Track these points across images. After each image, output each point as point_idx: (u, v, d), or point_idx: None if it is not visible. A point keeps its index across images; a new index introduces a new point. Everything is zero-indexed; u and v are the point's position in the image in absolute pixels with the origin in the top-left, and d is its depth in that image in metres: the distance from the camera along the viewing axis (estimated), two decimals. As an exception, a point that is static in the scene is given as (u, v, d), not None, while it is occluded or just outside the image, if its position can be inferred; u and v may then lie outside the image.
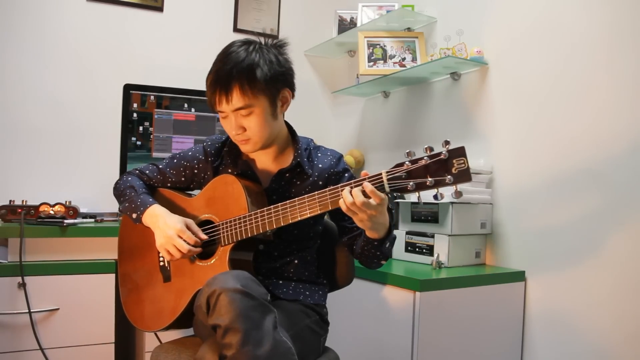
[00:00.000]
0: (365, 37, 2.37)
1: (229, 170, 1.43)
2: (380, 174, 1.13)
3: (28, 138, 2.29)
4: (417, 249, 1.98)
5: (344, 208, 1.15)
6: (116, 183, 1.52)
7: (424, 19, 2.36)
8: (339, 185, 1.18)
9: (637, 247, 1.61)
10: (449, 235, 1.88)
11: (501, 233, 2.01)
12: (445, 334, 1.71)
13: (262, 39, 1.37)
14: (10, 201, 1.95)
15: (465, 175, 1.05)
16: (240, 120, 1.32)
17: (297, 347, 1.15)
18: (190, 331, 1.44)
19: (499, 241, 2.02)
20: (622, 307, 1.63)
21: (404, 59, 2.34)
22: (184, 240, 1.30)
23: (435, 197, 1.12)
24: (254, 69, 1.28)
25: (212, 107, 1.34)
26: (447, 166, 1.06)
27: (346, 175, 1.43)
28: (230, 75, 1.27)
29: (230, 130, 1.34)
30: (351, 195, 1.14)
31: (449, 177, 1.06)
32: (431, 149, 1.09)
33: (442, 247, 1.89)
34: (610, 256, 1.67)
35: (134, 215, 1.39)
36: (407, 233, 2.02)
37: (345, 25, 2.68)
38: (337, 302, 1.81)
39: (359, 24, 2.49)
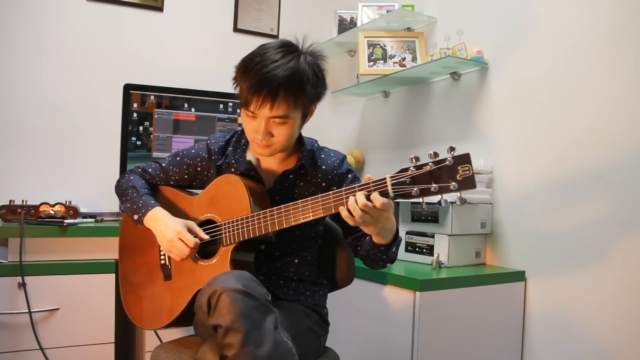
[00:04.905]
0: (365, 37, 2.37)
1: (232, 170, 1.42)
2: (385, 178, 1.13)
3: (28, 138, 2.29)
4: (417, 249, 1.98)
5: (347, 215, 1.15)
6: (118, 181, 1.51)
7: (424, 19, 2.36)
8: (342, 189, 1.18)
9: (638, 247, 1.61)
10: (449, 235, 1.88)
11: (501, 233, 2.01)
12: (445, 334, 1.71)
13: (299, 43, 1.32)
14: (10, 201, 1.94)
15: (469, 183, 1.05)
16: (271, 127, 1.29)
17: (297, 348, 1.15)
18: (190, 331, 1.44)
19: (499, 241, 2.02)
20: (623, 308, 1.63)
21: (404, 59, 2.33)
22: (183, 242, 1.30)
23: (439, 203, 1.11)
24: (304, 84, 1.26)
25: (246, 105, 1.27)
26: (452, 173, 1.06)
27: (349, 176, 1.42)
28: (282, 84, 1.23)
29: (255, 134, 1.29)
30: (355, 202, 1.13)
31: (453, 183, 1.06)
32: (436, 155, 1.08)
33: (442, 247, 1.89)
34: (611, 256, 1.67)
35: (136, 217, 1.39)
36: (407, 233, 2.02)
37: (345, 25, 2.67)
38: (337, 302, 1.81)
39: (359, 24, 2.49)
